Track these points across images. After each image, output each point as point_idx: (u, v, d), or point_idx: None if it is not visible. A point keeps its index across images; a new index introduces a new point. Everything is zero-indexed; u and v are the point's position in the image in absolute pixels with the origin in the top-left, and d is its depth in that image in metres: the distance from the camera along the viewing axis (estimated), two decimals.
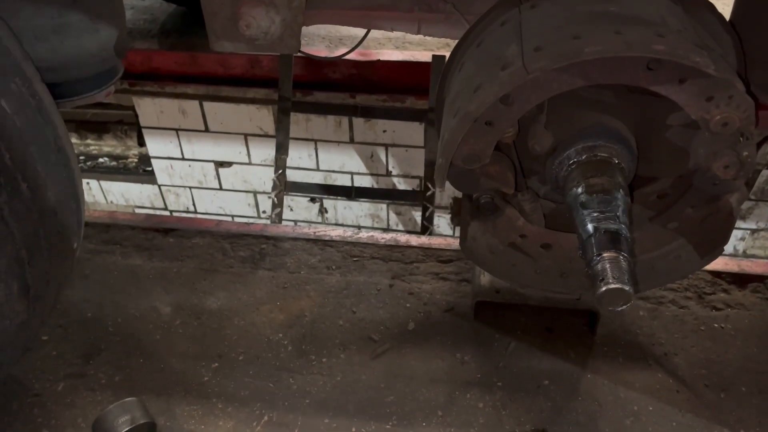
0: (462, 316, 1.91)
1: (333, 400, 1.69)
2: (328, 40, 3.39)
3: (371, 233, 2.22)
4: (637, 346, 1.81)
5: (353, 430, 1.62)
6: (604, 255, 1.00)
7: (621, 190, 1.10)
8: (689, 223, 1.27)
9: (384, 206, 3.68)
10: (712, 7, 1.22)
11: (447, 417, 1.64)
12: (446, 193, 3.34)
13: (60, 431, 1.59)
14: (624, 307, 0.98)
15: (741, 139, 1.11)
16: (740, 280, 1.99)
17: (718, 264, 2.03)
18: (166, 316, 1.93)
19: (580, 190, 1.10)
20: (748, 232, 3.50)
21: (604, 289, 0.97)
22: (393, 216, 3.70)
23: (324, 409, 1.67)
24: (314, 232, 2.21)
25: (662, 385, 1.70)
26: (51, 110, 1.34)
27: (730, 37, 1.22)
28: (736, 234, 3.51)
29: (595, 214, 1.05)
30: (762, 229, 3.50)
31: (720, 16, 1.22)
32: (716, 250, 1.27)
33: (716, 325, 1.86)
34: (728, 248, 3.45)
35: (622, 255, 1.00)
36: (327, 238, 2.19)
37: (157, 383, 1.73)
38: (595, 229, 1.03)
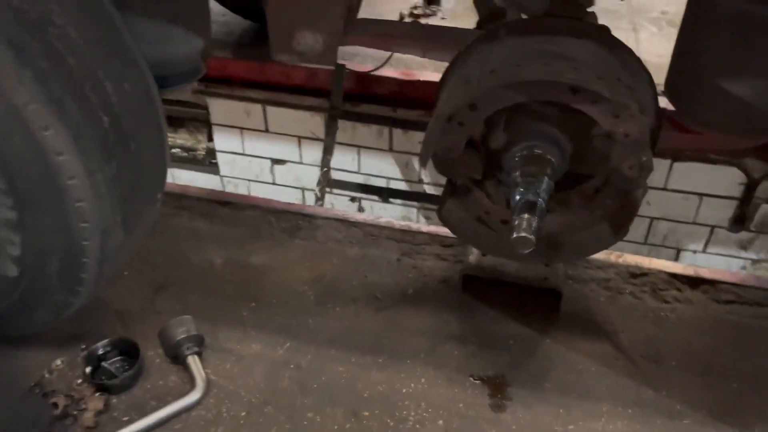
0: (453, 288, 2.34)
1: (340, 338, 2.15)
2: (377, 59, 3.88)
3: (389, 219, 2.69)
4: (593, 323, 2.20)
5: (353, 360, 2.08)
6: (522, 216, 1.44)
7: (547, 177, 1.53)
8: (609, 210, 1.68)
9: (414, 210, 4.11)
10: (632, 52, 1.64)
11: (428, 359, 2.08)
12: None
13: (133, 336, 2.09)
14: (528, 251, 1.41)
15: (642, 147, 1.52)
16: (693, 282, 2.34)
17: (677, 267, 2.40)
18: (218, 267, 2.44)
19: (517, 173, 1.54)
20: (749, 261, 3.76)
21: (515, 235, 1.41)
22: (422, 219, 4.12)
23: (332, 343, 2.13)
24: (343, 214, 2.70)
25: (606, 353, 2.09)
26: (155, 95, 1.87)
27: (646, 74, 1.64)
28: (737, 263, 3.77)
29: (522, 190, 1.49)
30: (763, 260, 3.76)
31: (637, 59, 1.64)
32: (624, 230, 1.67)
33: (663, 314, 2.23)
34: None
35: (535, 218, 1.43)
36: (353, 220, 2.66)
37: (207, 313, 2.22)
38: (520, 199, 1.47)
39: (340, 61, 3.33)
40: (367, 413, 1.91)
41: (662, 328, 2.18)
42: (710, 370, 2.03)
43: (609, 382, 1.99)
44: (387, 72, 3.54)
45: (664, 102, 1.86)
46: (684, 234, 3.62)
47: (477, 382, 2.00)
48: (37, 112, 1.48)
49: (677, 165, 3.30)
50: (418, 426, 1.87)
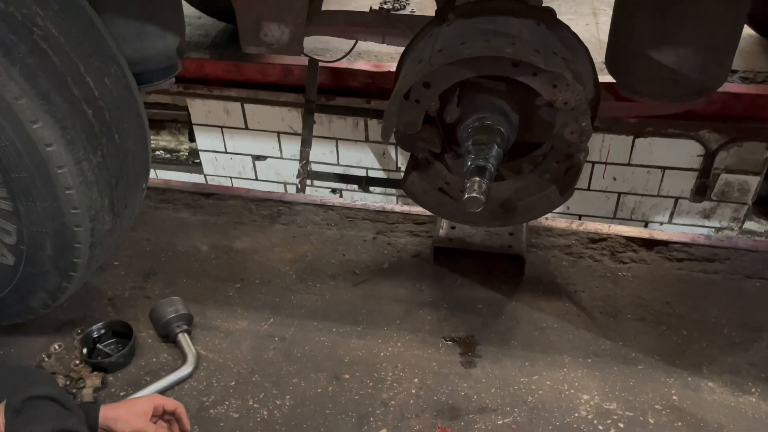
0: (425, 260, 2.50)
1: (321, 311, 2.30)
2: (350, 55, 4.03)
3: (365, 202, 2.83)
4: (555, 285, 2.36)
5: (333, 329, 2.22)
6: (473, 179, 1.59)
7: (496, 145, 1.68)
8: (556, 173, 1.84)
9: (394, 198, 4.26)
10: (569, 29, 1.80)
11: (403, 324, 2.23)
12: None
13: (126, 319, 2.23)
14: (478, 209, 1.57)
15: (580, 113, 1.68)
16: (648, 243, 2.52)
17: (633, 231, 2.57)
18: (204, 252, 2.58)
19: (469, 142, 1.70)
20: (713, 230, 3.95)
21: (466, 196, 1.56)
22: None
23: (314, 316, 2.28)
24: (320, 199, 2.84)
25: (567, 311, 2.25)
26: (134, 89, 2.00)
27: (583, 48, 1.80)
28: (702, 232, 3.96)
29: (473, 156, 1.64)
30: (725, 228, 3.95)
31: (574, 34, 1.81)
32: (570, 191, 1.83)
33: (620, 274, 2.40)
34: None
35: (484, 181, 1.59)
36: (330, 204, 2.81)
37: (195, 295, 2.36)
38: (471, 164, 1.63)
39: (312, 56, 3.48)
40: (347, 376, 2.05)
41: (619, 285, 2.35)
42: (662, 320, 2.20)
43: (570, 336, 2.15)
44: (359, 65, 3.69)
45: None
46: (650, 207, 3.80)
47: (449, 342, 2.16)
48: (26, 106, 1.61)
49: (639, 141, 3.48)
50: (395, 384, 2.02)
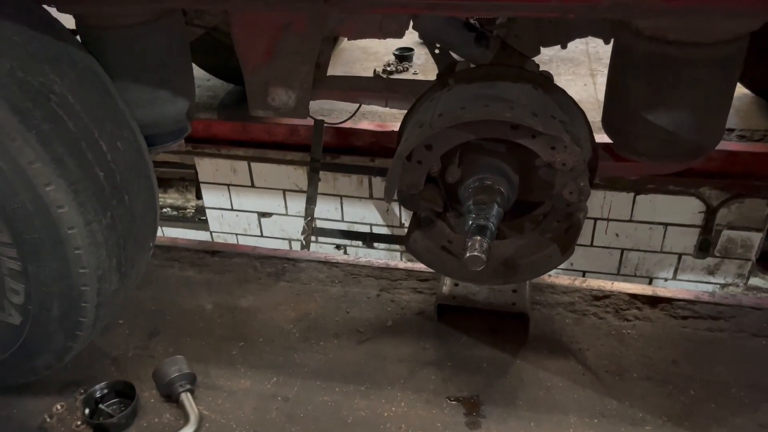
0: (429, 317, 2.49)
1: (325, 370, 2.28)
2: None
3: (369, 258, 2.86)
4: (560, 343, 2.35)
5: (337, 389, 2.21)
6: (474, 238, 1.62)
7: (496, 204, 1.72)
8: (557, 232, 1.86)
9: (398, 254, 4.28)
10: (565, 92, 1.87)
11: (407, 384, 2.21)
12: None
13: (129, 379, 2.22)
14: (480, 267, 1.59)
15: (579, 174, 1.72)
16: (652, 301, 2.51)
17: (636, 288, 2.57)
18: (208, 311, 2.59)
19: (470, 202, 1.73)
20: (718, 286, 3.94)
21: (468, 255, 1.59)
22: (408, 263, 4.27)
23: (317, 376, 2.26)
24: (324, 256, 2.87)
25: (572, 370, 2.23)
26: (145, 152, 2.06)
27: (579, 111, 1.86)
28: (707, 289, 3.94)
29: (474, 216, 1.67)
30: (730, 284, 3.93)
31: (571, 98, 1.87)
32: (571, 249, 1.85)
33: (624, 332, 2.39)
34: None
35: (485, 239, 1.62)
36: (334, 261, 2.83)
37: (199, 354, 2.36)
38: (472, 223, 1.66)
39: (318, 117, 3.57)
40: None
41: (624, 344, 2.33)
42: (669, 380, 2.18)
43: (576, 396, 2.13)
44: (363, 125, 3.78)
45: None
46: (654, 263, 3.80)
47: (453, 402, 2.14)
48: (40, 170, 1.66)
49: (640, 198, 3.51)
50: None
